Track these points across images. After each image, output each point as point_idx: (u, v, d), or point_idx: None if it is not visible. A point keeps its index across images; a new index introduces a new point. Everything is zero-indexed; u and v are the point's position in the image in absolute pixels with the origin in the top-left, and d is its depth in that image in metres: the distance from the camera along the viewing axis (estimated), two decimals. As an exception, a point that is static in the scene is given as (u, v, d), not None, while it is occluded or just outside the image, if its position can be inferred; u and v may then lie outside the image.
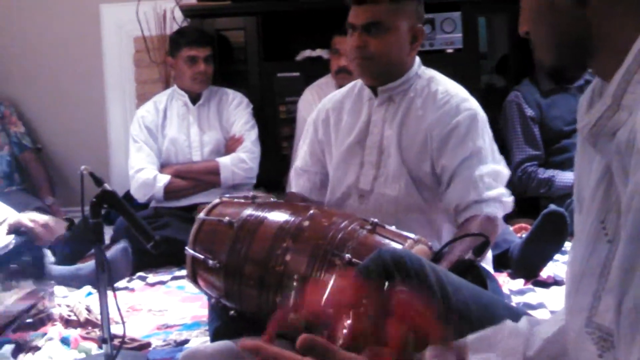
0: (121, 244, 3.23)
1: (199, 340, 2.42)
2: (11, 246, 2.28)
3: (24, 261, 2.44)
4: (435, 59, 3.66)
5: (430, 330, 1.08)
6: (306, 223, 2.01)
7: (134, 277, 3.26)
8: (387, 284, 1.16)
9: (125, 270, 3.21)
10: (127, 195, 3.85)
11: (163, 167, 3.76)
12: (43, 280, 2.63)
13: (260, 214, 2.09)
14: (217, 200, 2.24)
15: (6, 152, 4.32)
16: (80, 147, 4.59)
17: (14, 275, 2.35)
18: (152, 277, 3.26)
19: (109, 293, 2.15)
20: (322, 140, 2.50)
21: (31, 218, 2.57)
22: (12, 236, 2.38)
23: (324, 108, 2.53)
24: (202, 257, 2.10)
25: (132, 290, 3.10)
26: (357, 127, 2.42)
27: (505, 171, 2.34)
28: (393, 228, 2.02)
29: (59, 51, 4.60)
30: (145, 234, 2.18)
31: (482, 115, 2.35)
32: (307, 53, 4.25)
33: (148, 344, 2.40)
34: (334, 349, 1.01)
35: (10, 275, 2.31)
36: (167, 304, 2.88)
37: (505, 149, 3.63)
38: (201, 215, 2.18)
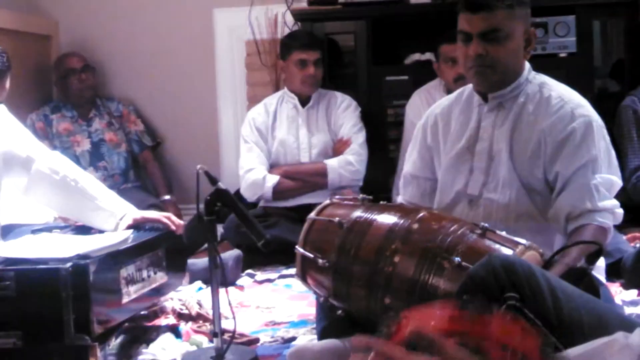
0: (235, 252, 3.32)
1: (306, 338, 2.47)
2: (130, 240, 2.37)
3: (157, 255, 2.52)
4: (547, 63, 3.61)
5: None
6: (415, 226, 2.02)
7: (243, 274, 3.34)
8: (490, 308, 1.16)
9: (235, 276, 3.29)
10: (237, 194, 3.94)
11: (272, 167, 3.84)
12: (181, 271, 2.71)
13: (370, 215, 2.12)
14: (327, 201, 2.28)
15: (123, 149, 4.50)
16: (193, 147, 4.73)
17: (145, 269, 2.44)
18: (260, 275, 3.34)
19: (221, 289, 2.23)
20: (431, 146, 2.50)
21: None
22: (131, 231, 2.47)
23: (433, 113, 2.53)
24: (311, 256, 2.15)
25: (241, 287, 3.18)
26: (467, 133, 2.41)
27: (618, 181, 2.29)
28: (504, 233, 2.01)
29: (174, 54, 4.76)
30: (257, 233, 2.24)
31: (597, 121, 2.31)
32: (416, 56, 4.25)
33: (256, 340, 2.46)
34: (442, 342, 1.02)
35: (141, 268, 2.40)
36: (275, 302, 2.94)
37: (618, 155, 3.53)
38: (312, 215, 2.22)
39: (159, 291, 2.57)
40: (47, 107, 4.50)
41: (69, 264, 2.07)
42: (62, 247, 2.28)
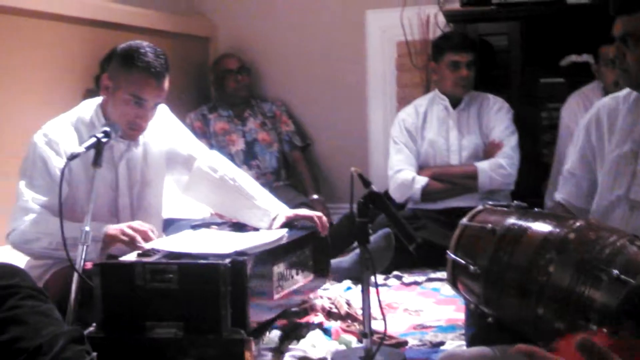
0: (385, 230, 3.34)
1: (454, 343, 2.46)
2: (284, 239, 2.44)
3: (304, 254, 2.59)
4: None
5: None
6: (572, 235, 1.97)
7: (390, 275, 3.36)
8: None
9: (387, 253, 3.30)
10: (385, 194, 3.97)
11: (421, 169, 3.84)
12: (325, 271, 2.77)
13: (524, 223, 2.08)
14: (479, 207, 2.26)
15: (275, 149, 4.63)
16: (342, 147, 4.81)
17: (294, 267, 2.51)
18: (407, 277, 3.36)
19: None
20: (594, 145, 2.43)
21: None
22: (286, 230, 2.54)
23: (597, 112, 2.46)
24: (463, 262, 2.13)
25: (389, 288, 3.21)
26: (631, 136, 2.33)
27: None
28: (667, 247, 1.92)
29: (326, 54, 4.84)
30: (408, 236, 2.26)
31: None
32: (573, 58, 4.13)
33: (405, 342, 2.48)
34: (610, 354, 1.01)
35: (291, 266, 2.47)
36: (422, 305, 2.94)
37: None
38: (464, 220, 2.21)
39: (306, 290, 2.64)
40: (205, 107, 4.69)
41: (227, 260, 2.16)
42: (220, 243, 2.38)
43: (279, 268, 2.41)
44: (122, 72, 2.61)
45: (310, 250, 2.63)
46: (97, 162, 2.38)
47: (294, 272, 2.51)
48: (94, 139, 2.39)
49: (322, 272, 2.75)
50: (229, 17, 5.02)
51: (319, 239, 2.69)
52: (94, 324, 2.25)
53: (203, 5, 5.05)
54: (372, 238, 3.17)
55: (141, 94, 2.59)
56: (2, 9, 3.25)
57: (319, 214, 2.71)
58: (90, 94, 3.63)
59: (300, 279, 2.56)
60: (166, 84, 2.64)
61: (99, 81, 3.72)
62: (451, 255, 2.19)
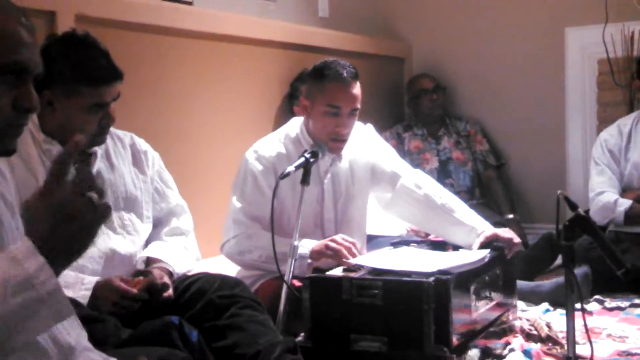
0: (583, 269, 3.27)
1: (664, 372, 2.37)
2: (486, 259, 2.45)
3: (495, 273, 2.60)
4: None
5: None
6: None
7: (591, 299, 3.28)
8: None
9: (584, 294, 3.23)
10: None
11: (624, 191, 3.71)
12: (512, 293, 2.77)
13: None
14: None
15: (469, 167, 4.63)
16: (538, 167, 4.73)
17: (487, 286, 2.52)
18: (609, 302, 3.25)
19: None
20: None
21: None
22: (487, 250, 2.56)
23: None
24: (676, 289, 2.07)
25: (590, 313, 3.12)
26: None
27: None
28: None
29: (522, 72, 4.78)
30: (617, 261, 2.21)
31: None
32: None
33: (610, 369, 2.42)
34: None
35: (484, 286, 2.49)
36: (627, 331, 2.85)
37: None
38: (677, 246, 2.14)
39: (497, 309, 2.63)
40: (400, 125, 4.78)
41: (431, 279, 2.21)
42: (422, 261, 2.43)
43: (475, 286, 2.42)
44: (315, 87, 2.75)
45: (500, 270, 2.63)
46: (305, 180, 2.50)
47: (487, 291, 2.51)
48: (302, 159, 2.52)
49: (510, 292, 2.75)
50: (424, 37, 5.08)
51: (508, 259, 2.70)
52: (302, 334, 2.37)
53: (398, 26, 5.15)
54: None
55: (336, 102, 2.70)
56: (214, 37, 3.49)
57: (516, 238, 2.71)
58: (282, 111, 3.85)
59: (492, 299, 2.56)
60: (357, 89, 2.74)
61: (290, 99, 3.94)
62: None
